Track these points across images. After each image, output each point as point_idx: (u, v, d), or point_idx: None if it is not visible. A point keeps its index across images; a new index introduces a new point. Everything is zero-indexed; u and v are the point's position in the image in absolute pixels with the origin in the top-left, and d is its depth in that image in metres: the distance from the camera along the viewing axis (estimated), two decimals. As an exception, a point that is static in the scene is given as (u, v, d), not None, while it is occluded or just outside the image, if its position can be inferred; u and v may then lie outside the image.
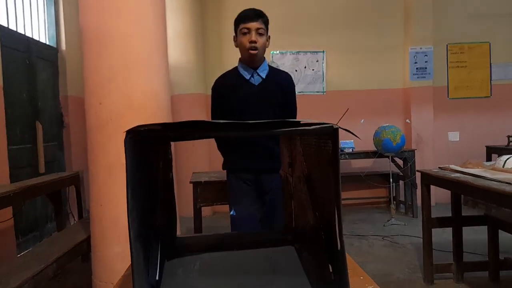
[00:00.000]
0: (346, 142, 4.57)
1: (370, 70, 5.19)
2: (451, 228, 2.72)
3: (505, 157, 2.29)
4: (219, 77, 2.11)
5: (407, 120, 5.04)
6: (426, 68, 5.04)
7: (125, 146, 0.59)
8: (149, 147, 0.78)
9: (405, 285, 2.73)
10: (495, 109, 5.22)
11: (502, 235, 2.65)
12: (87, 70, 2.18)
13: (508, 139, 4.37)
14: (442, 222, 2.74)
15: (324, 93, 5.21)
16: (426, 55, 5.05)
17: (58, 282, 2.80)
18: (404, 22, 5.18)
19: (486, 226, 2.71)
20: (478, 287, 2.62)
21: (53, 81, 4.27)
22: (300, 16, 5.14)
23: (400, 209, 4.83)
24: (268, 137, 1.89)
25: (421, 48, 5.04)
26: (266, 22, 1.93)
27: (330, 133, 0.63)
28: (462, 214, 2.73)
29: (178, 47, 4.67)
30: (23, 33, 3.77)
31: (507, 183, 1.95)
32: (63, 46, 4.40)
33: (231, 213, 2.01)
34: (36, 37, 4.00)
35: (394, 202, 4.58)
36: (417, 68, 5.05)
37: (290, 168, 1.05)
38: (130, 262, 1.80)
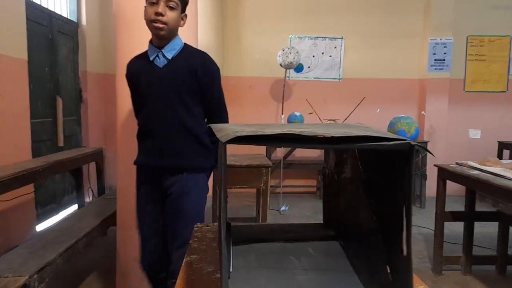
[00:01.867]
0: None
1: (388, 59, 5.16)
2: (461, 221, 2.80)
3: (525, 157, 2.33)
4: (130, 60, 1.80)
5: (423, 112, 5.05)
6: (444, 60, 5.01)
7: (221, 153, 0.64)
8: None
9: (413, 274, 2.82)
10: (510, 105, 5.21)
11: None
12: (119, 64, 2.20)
13: (522, 135, 4.39)
14: (455, 216, 2.81)
15: (340, 80, 5.20)
16: (446, 47, 5.01)
17: (82, 254, 2.92)
18: (425, 11, 5.12)
19: (497, 222, 2.79)
20: (485, 279, 2.71)
21: (73, 57, 4.29)
22: (320, 1, 5.08)
23: (408, 199, 4.90)
24: (177, 130, 1.67)
25: (441, 39, 4.99)
26: None
27: (406, 149, 0.67)
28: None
29: (199, 30, 4.64)
30: (46, 6, 3.77)
31: (527, 184, 2.00)
32: (84, 21, 4.40)
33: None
34: (57, 11, 4.00)
35: (403, 192, 4.65)
36: (435, 60, 5.02)
37: (337, 167, 1.10)
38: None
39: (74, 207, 3.92)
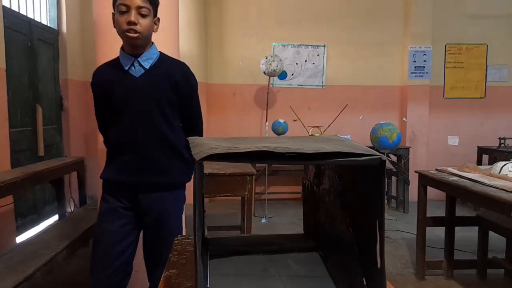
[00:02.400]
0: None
1: (370, 66, 5.26)
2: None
3: (501, 163, 2.40)
4: (97, 68, 1.69)
5: (404, 119, 5.15)
6: (424, 67, 5.13)
7: (195, 171, 0.64)
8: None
9: (397, 280, 2.86)
10: (488, 110, 5.36)
11: (492, 234, 2.79)
12: (100, 61, 2.18)
13: (500, 141, 4.51)
14: (436, 222, 2.86)
15: (323, 87, 5.26)
16: (425, 54, 5.13)
17: (63, 266, 2.85)
18: (404, 20, 5.24)
19: (477, 227, 2.85)
20: (466, 284, 2.75)
21: (53, 64, 4.23)
22: (302, 9, 5.14)
23: (391, 204, 4.98)
24: (159, 145, 1.58)
25: (420, 47, 5.11)
26: (153, 1, 1.54)
27: (377, 164, 0.68)
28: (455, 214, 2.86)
29: (182, 37, 4.64)
30: (25, 14, 3.71)
31: (504, 190, 2.05)
32: (64, 28, 4.34)
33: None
34: (37, 19, 3.94)
35: (386, 197, 4.71)
36: (415, 67, 5.13)
37: (316, 179, 1.11)
38: (138, 251, 1.83)
39: (55, 217, 3.84)
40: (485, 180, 2.27)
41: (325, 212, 1.06)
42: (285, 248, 1.10)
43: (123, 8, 1.49)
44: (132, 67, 1.56)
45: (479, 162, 4.75)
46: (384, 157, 0.68)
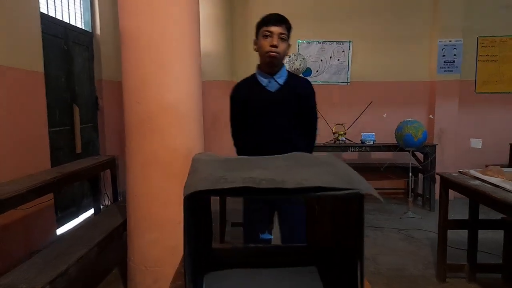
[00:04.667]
0: (367, 134, 4.62)
1: (396, 61, 5.15)
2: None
3: (525, 168, 2.34)
4: (237, 84, 2.11)
5: (431, 116, 5.03)
6: (454, 61, 4.96)
7: (184, 209, 0.72)
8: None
9: (418, 281, 2.86)
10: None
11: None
12: (125, 71, 2.33)
13: (534, 138, 4.33)
14: (458, 225, 2.83)
15: (348, 84, 5.22)
16: (455, 48, 4.96)
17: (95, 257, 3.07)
18: (433, 12, 5.07)
19: (503, 230, 2.79)
20: (489, 287, 2.72)
21: (88, 66, 4.46)
22: (328, 5, 5.10)
23: (417, 202, 4.91)
24: (285, 146, 1.82)
25: (450, 41, 4.95)
26: (289, 28, 1.91)
27: (357, 197, 0.75)
28: (479, 215, 2.80)
29: (208, 35, 4.76)
30: (60, 18, 3.94)
31: (523, 197, 2.02)
32: (98, 31, 4.56)
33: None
34: (72, 23, 4.17)
35: (412, 194, 4.66)
36: (444, 61, 4.98)
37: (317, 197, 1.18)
38: (163, 249, 1.99)
39: (92, 210, 4.10)
40: (507, 185, 2.23)
41: (321, 230, 1.12)
42: (285, 262, 1.17)
43: (267, 33, 1.86)
44: (269, 83, 1.94)
45: (511, 160, 4.59)
46: (362, 191, 0.73)
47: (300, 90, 1.98)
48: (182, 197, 2.20)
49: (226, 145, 5.02)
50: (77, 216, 4.12)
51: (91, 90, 4.51)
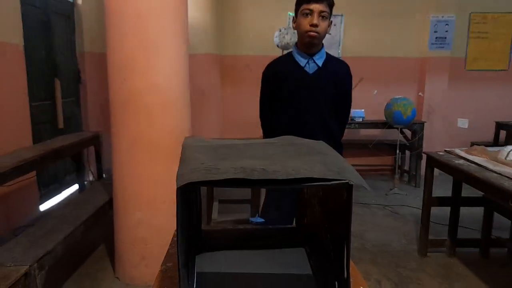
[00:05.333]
0: (356, 111, 4.61)
1: (388, 37, 5.09)
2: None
3: (509, 148, 2.37)
4: (272, 62, 2.00)
5: (420, 94, 5.03)
6: (445, 38, 4.93)
7: (177, 199, 0.70)
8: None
9: (400, 256, 2.94)
10: (510, 84, 5.16)
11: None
12: (110, 47, 2.24)
13: (519, 116, 4.39)
14: (441, 202, 2.89)
15: (340, 58, 5.15)
16: (447, 24, 4.91)
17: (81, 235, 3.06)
18: (427, -12, 4.98)
19: (483, 207, 2.87)
20: (467, 262, 2.82)
21: (69, 37, 4.29)
22: (320, -24, 4.95)
23: (403, 178, 4.99)
24: (320, 126, 1.86)
25: (442, 17, 4.89)
26: (331, 5, 1.78)
27: (346, 187, 0.73)
28: (462, 192, 2.86)
29: (195, 5, 4.59)
30: (38, -13, 3.74)
31: (507, 177, 2.06)
32: (79, 0, 4.36)
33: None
34: (51, -9, 3.97)
35: (399, 171, 4.72)
36: (436, 38, 4.94)
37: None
38: (150, 228, 2.00)
39: (76, 186, 4.05)
40: (490, 165, 2.27)
41: (311, 213, 1.12)
42: (274, 243, 1.18)
43: (307, 11, 1.74)
44: (307, 64, 1.84)
45: (497, 138, 4.67)
46: (351, 182, 0.72)
47: (338, 73, 1.91)
48: (169, 176, 2.16)
49: (213, 122, 5.02)
50: (60, 192, 4.07)
51: (72, 62, 4.36)
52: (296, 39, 4.40)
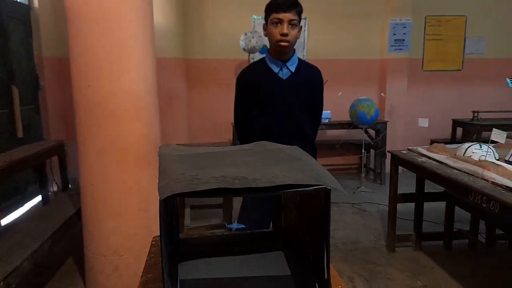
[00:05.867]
0: (323, 112, 4.70)
1: (350, 39, 5.25)
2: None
3: (466, 145, 2.52)
4: (245, 69, 2.04)
5: (382, 94, 5.23)
6: (404, 40, 5.16)
7: (160, 211, 0.70)
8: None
9: (370, 252, 3.05)
10: (465, 83, 5.48)
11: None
12: (74, 51, 2.17)
13: (473, 114, 4.66)
14: (406, 198, 3.02)
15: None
16: (405, 27, 5.14)
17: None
18: (386, -9, 5.19)
19: (445, 202, 3.03)
20: (432, 254, 2.96)
21: (26, 41, 4.10)
22: (283, -20, 5.03)
23: (369, 176, 5.16)
24: (294, 131, 1.91)
25: (400, 20, 5.11)
26: (300, 12, 1.83)
27: (324, 192, 0.76)
28: (425, 189, 3.00)
29: (159, 9, 4.52)
30: (-9, -10, 3.55)
31: (466, 173, 2.19)
32: (35, 3, 4.18)
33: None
34: (6, -6, 3.78)
35: (365, 169, 4.88)
36: (395, 40, 5.15)
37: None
38: (123, 237, 1.96)
39: (39, 197, 3.87)
40: (450, 162, 2.40)
41: (288, 217, 1.15)
42: (253, 248, 1.19)
43: (277, 21, 1.78)
44: (280, 71, 1.89)
45: (454, 135, 4.94)
46: (329, 187, 0.75)
47: (311, 78, 1.97)
48: (140, 184, 2.12)
49: (181, 127, 4.96)
50: (22, 205, 3.88)
51: (30, 68, 4.17)
52: (262, 43, 4.48)
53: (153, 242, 1.30)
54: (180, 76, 4.86)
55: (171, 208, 0.95)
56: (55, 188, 3.73)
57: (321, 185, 0.76)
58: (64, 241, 2.85)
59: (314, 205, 0.89)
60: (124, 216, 2.22)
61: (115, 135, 2.15)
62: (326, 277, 0.82)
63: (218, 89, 5.15)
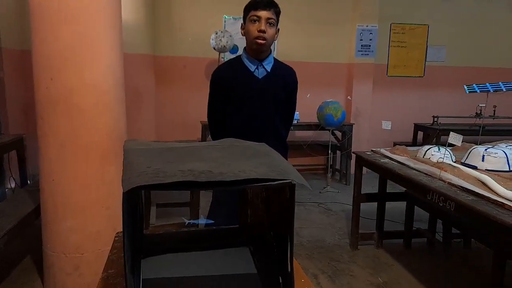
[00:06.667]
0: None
1: (319, 43, 5.37)
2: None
3: (426, 147, 2.64)
4: (221, 66, 2.05)
5: (349, 97, 5.37)
6: (370, 46, 5.33)
7: (123, 204, 0.70)
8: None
9: (334, 250, 3.12)
10: (426, 89, 5.74)
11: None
12: (36, 43, 2.08)
13: (433, 119, 4.88)
14: (369, 198, 3.12)
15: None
16: (371, 33, 5.31)
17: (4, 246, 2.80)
18: (354, -1, 5.35)
19: (405, 202, 3.16)
20: (393, 252, 3.08)
21: (-17, 31, 3.89)
22: (255, -19, 5.06)
23: (335, 177, 5.29)
24: (269, 130, 1.94)
25: (367, 26, 5.28)
26: (278, 13, 1.85)
27: (289, 186, 0.78)
28: (387, 189, 3.12)
29: (127, 4, 4.43)
30: None
31: (424, 174, 2.29)
32: (-6, -9, 3.97)
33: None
34: (-38, -20, 3.57)
35: (331, 170, 4.99)
36: (362, 45, 5.31)
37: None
38: (84, 235, 1.91)
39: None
40: (411, 163, 2.51)
41: (254, 213, 1.16)
42: (218, 244, 1.20)
43: (255, 18, 1.79)
44: (257, 70, 1.90)
45: (415, 138, 5.15)
46: (294, 182, 0.77)
47: (287, 79, 1.99)
48: (103, 180, 2.08)
49: (148, 123, 4.87)
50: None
51: (-12, 59, 3.96)
52: (233, 43, 4.50)
53: (116, 238, 1.27)
54: (148, 73, 4.78)
55: (135, 202, 0.94)
56: (13, 185, 3.56)
57: (287, 179, 0.78)
58: (21, 239, 2.73)
59: (280, 200, 0.91)
60: (86, 213, 2.16)
61: (78, 130, 2.08)
62: (289, 269, 0.83)
63: (188, 87, 5.10)
